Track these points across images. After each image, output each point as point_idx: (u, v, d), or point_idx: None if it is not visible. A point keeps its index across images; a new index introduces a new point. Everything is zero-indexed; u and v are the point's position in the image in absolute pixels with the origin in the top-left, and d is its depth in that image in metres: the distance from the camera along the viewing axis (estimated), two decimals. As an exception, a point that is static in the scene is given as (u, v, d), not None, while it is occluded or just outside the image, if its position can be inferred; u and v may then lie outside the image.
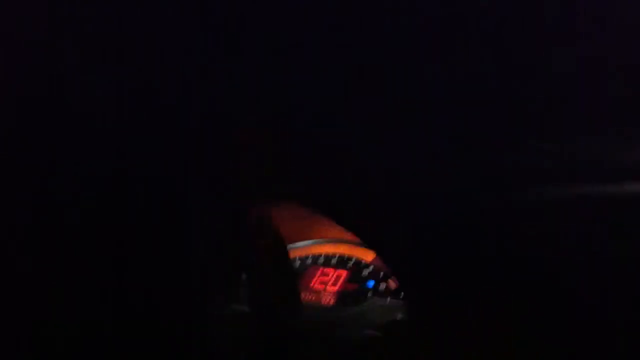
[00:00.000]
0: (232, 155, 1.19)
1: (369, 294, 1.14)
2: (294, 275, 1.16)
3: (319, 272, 1.19)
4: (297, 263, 1.19)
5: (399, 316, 1.11)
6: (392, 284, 1.14)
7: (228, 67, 1.22)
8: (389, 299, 1.13)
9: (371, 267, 1.16)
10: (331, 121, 1.22)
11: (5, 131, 1.17)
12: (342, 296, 1.15)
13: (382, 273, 1.14)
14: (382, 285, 1.14)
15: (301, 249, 1.21)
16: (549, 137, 1.18)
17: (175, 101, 1.22)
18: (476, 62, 1.19)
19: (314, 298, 1.15)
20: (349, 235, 1.17)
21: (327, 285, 1.16)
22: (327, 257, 1.19)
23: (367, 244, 1.14)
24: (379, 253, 1.13)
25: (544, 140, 1.18)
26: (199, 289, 1.15)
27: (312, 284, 1.17)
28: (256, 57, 1.23)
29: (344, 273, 1.17)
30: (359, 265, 1.18)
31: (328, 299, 1.15)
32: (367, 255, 1.17)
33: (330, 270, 1.19)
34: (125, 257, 1.19)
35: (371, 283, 1.16)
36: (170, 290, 1.16)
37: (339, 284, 1.15)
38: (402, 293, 1.11)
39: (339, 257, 1.19)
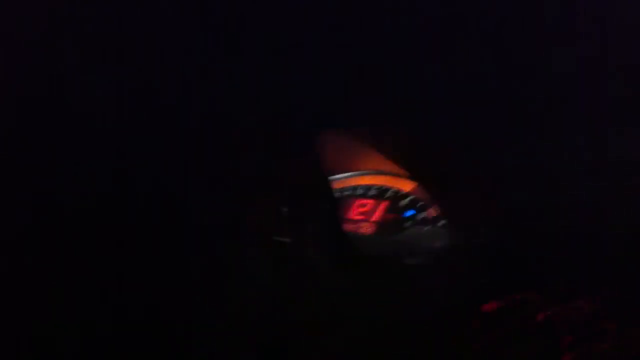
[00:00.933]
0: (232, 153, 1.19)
1: (408, 223, 1.15)
2: (336, 206, 1.16)
3: (357, 203, 1.19)
4: (336, 195, 1.20)
5: (438, 244, 1.11)
6: (431, 212, 1.14)
7: (228, 67, 1.22)
8: (427, 227, 1.13)
9: (410, 197, 1.16)
10: (331, 121, 1.22)
11: (5, 131, 1.17)
12: (381, 226, 1.15)
13: (420, 202, 1.14)
14: (421, 215, 1.14)
15: (340, 181, 1.21)
16: (549, 137, 1.19)
17: (175, 101, 1.22)
18: (476, 62, 1.19)
19: (353, 228, 1.16)
20: (387, 166, 1.18)
21: (365, 216, 1.16)
22: (365, 188, 1.20)
23: (409, 172, 1.14)
24: (420, 181, 1.14)
25: (544, 140, 1.18)
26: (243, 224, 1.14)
27: (350, 215, 1.18)
28: (256, 57, 1.23)
29: (382, 203, 1.18)
30: (397, 195, 1.18)
31: (367, 229, 1.16)
32: (406, 186, 1.18)
33: (368, 201, 1.19)
34: (124, 256, 1.19)
35: (410, 212, 1.16)
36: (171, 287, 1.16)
37: (377, 214, 1.16)
38: (442, 221, 1.12)
39: (377, 187, 1.19)
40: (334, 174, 1.22)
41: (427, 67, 1.20)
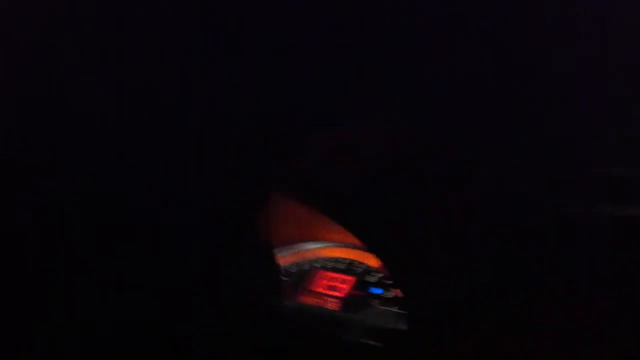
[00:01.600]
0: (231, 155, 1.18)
1: (374, 302, 1.11)
2: (276, 271, 1.14)
3: (326, 276, 1.15)
4: (305, 265, 1.16)
5: (402, 326, 1.07)
6: (398, 293, 1.10)
7: (228, 67, 1.22)
8: (394, 308, 1.09)
9: (379, 275, 1.13)
10: (331, 121, 1.22)
11: (5, 131, 1.17)
12: (347, 302, 1.11)
13: (389, 281, 1.11)
14: (389, 294, 1.11)
15: (310, 250, 1.17)
16: (548, 137, 1.19)
17: (175, 101, 1.22)
18: (476, 62, 1.19)
19: (319, 302, 1.11)
20: (358, 240, 1.15)
21: (333, 290, 1.12)
22: (336, 261, 1.16)
23: (371, 250, 1.11)
24: (382, 260, 1.10)
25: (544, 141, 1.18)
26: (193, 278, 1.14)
27: (318, 288, 1.14)
28: (256, 57, 1.23)
29: (350, 279, 1.14)
30: (366, 271, 1.14)
31: (333, 304, 1.12)
32: (375, 262, 1.14)
33: (337, 275, 1.15)
34: (124, 256, 1.19)
35: (377, 290, 1.12)
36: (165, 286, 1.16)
37: (345, 289, 1.12)
38: (406, 303, 1.08)
39: (348, 262, 1.15)
40: (304, 243, 1.19)
41: (427, 67, 1.20)
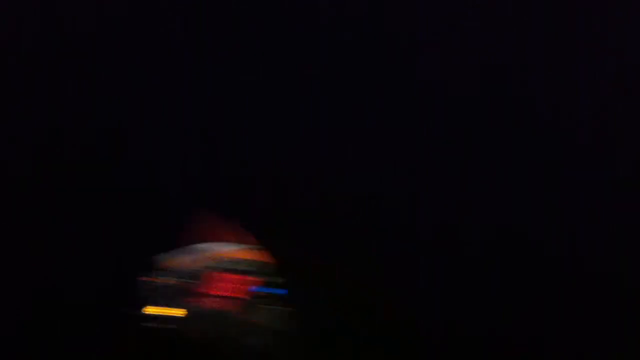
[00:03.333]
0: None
1: (277, 303, 1.11)
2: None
3: (226, 278, 1.13)
4: (205, 268, 1.14)
5: (288, 324, 1.08)
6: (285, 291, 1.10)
7: (227, 69, 1.22)
8: (281, 307, 1.09)
9: (272, 274, 1.12)
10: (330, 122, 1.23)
11: (7, 131, 1.17)
12: (248, 304, 1.10)
13: (284, 280, 1.10)
14: (280, 293, 1.10)
15: (211, 252, 1.15)
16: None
17: (180, 101, 1.21)
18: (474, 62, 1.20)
19: (219, 305, 1.10)
20: (253, 240, 1.14)
21: (233, 292, 1.10)
22: (237, 262, 1.14)
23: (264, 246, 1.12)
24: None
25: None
26: None
27: (218, 291, 1.12)
28: (256, 56, 1.23)
29: (252, 280, 1.12)
30: (269, 273, 1.13)
31: (233, 306, 1.10)
32: (269, 260, 1.13)
33: (238, 277, 1.14)
34: (121, 257, 1.19)
35: (280, 291, 1.12)
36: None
37: (246, 290, 1.10)
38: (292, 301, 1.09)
39: (250, 263, 1.13)
40: (204, 244, 1.17)
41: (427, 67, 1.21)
